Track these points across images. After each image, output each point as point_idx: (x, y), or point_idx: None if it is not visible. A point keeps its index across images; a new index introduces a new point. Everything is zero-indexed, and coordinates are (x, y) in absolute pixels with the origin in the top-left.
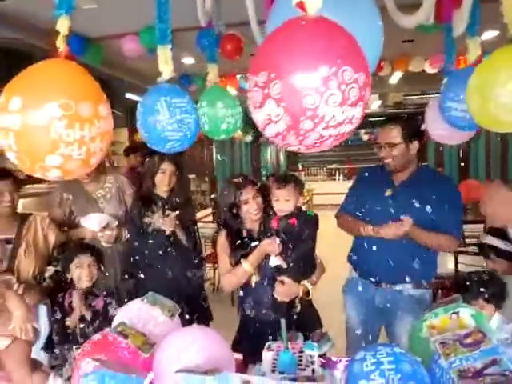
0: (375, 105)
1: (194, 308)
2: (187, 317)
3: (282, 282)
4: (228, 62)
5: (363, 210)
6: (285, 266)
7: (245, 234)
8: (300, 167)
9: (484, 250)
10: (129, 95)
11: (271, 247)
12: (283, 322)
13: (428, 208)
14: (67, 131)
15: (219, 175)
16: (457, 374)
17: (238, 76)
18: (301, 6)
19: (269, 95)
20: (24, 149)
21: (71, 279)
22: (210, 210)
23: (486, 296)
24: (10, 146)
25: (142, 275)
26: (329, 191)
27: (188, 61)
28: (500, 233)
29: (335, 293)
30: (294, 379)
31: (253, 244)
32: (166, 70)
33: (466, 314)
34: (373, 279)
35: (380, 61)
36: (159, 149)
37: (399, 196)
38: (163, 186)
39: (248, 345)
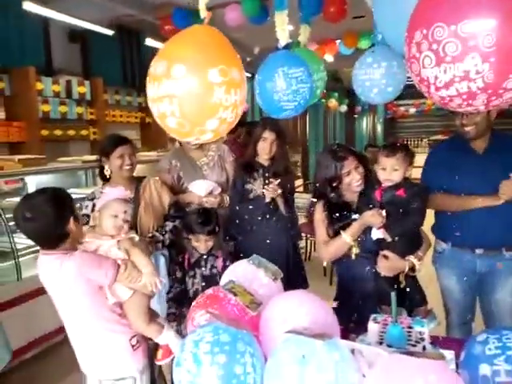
0: None
1: (291, 274)
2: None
3: (386, 257)
4: (328, 26)
5: (453, 183)
6: (389, 239)
7: (344, 206)
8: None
9: None
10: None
11: (374, 219)
12: (393, 294)
13: None
14: (226, 96)
15: (312, 146)
16: None
17: (338, 41)
18: None
19: (476, 48)
20: (187, 113)
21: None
22: (301, 181)
23: None
24: (172, 112)
25: (241, 238)
26: None
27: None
28: None
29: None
30: (411, 353)
31: (353, 216)
32: (283, 35)
33: None
34: (472, 247)
35: None
36: (275, 116)
37: (487, 162)
38: (264, 154)
39: (344, 316)
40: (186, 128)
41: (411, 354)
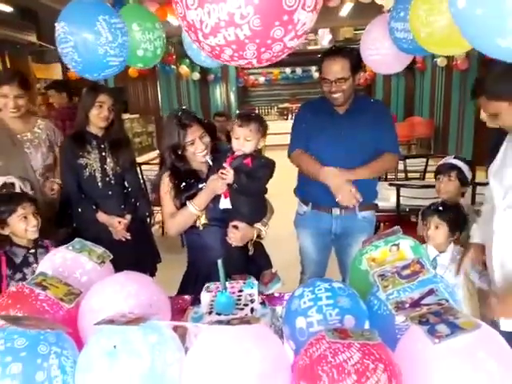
0: (326, 40)
1: (139, 248)
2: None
3: (236, 227)
4: None
5: (314, 144)
6: (229, 206)
7: (191, 175)
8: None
9: (442, 170)
10: None
11: (217, 184)
12: (219, 262)
13: (370, 131)
14: None
15: (166, 115)
16: (394, 306)
17: None
18: None
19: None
20: None
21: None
22: (156, 153)
23: (441, 215)
24: None
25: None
26: (280, 131)
27: None
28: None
29: (283, 227)
30: (228, 321)
31: (200, 186)
32: None
33: (406, 245)
34: (327, 207)
35: None
36: (93, 77)
37: (345, 123)
38: (100, 122)
39: (195, 287)
40: None
41: (228, 321)
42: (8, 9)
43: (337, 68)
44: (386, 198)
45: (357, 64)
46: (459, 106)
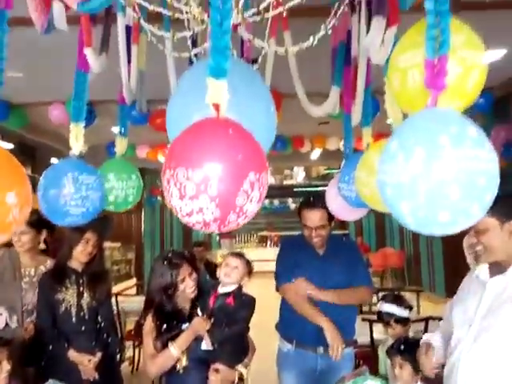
0: (300, 177)
1: None
2: None
3: (217, 371)
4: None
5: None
6: (210, 347)
7: (174, 315)
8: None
9: (383, 317)
10: (54, 160)
11: (200, 326)
12: None
13: (346, 271)
14: None
15: (147, 243)
16: None
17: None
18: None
19: (205, 191)
20: None
21: None
22: (134, 281)
23: (403, 355)
24: None
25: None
26: (261, 258)
27: (116, 130)
28: (395, 297)
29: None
30: None
31: (183, 326)
32: (76, 146)
33: None
34: (313, 346)
35: (301, 139)
36: (57, 223)
37: (324, 265)
38: (83, 257)
39: None
40: None
41: None
42: (9, 146)
43: (316, 218)
44: (363, 333)
45: (330, 214)
46: (427, 237)
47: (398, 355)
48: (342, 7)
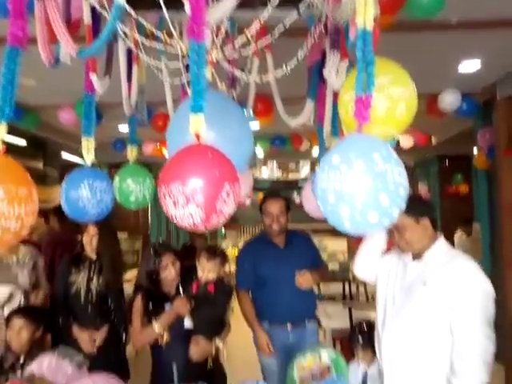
0: (305, 171)
1: (111, 362)
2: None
3: (198, 342)
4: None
5: (263, 271)
6: (191, 327)
7: (161, 296)
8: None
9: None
10: (65, 154)
11: (182, 308)
12: (174, 366)
13: (304, 259)
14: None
15: (154, 234)
16: None
17: None
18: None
19: (194, 201)
20: None
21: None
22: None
23: (362, 343)
24: None
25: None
26: None
27: (123, 128)
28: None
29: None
30: None
31: (166, 307)
32: (88, 159)
33: (325, 354)
34: (284, 323)
35: (299, 137)
36: (79, 220)
37: (286, 255)
38: (88, 247)
39: None
40: None
41: None
42: (22, 142)
43: (277, 206)
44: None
45: (288, 206)
46: None
47: (359, 344)
48: (317, 29)
